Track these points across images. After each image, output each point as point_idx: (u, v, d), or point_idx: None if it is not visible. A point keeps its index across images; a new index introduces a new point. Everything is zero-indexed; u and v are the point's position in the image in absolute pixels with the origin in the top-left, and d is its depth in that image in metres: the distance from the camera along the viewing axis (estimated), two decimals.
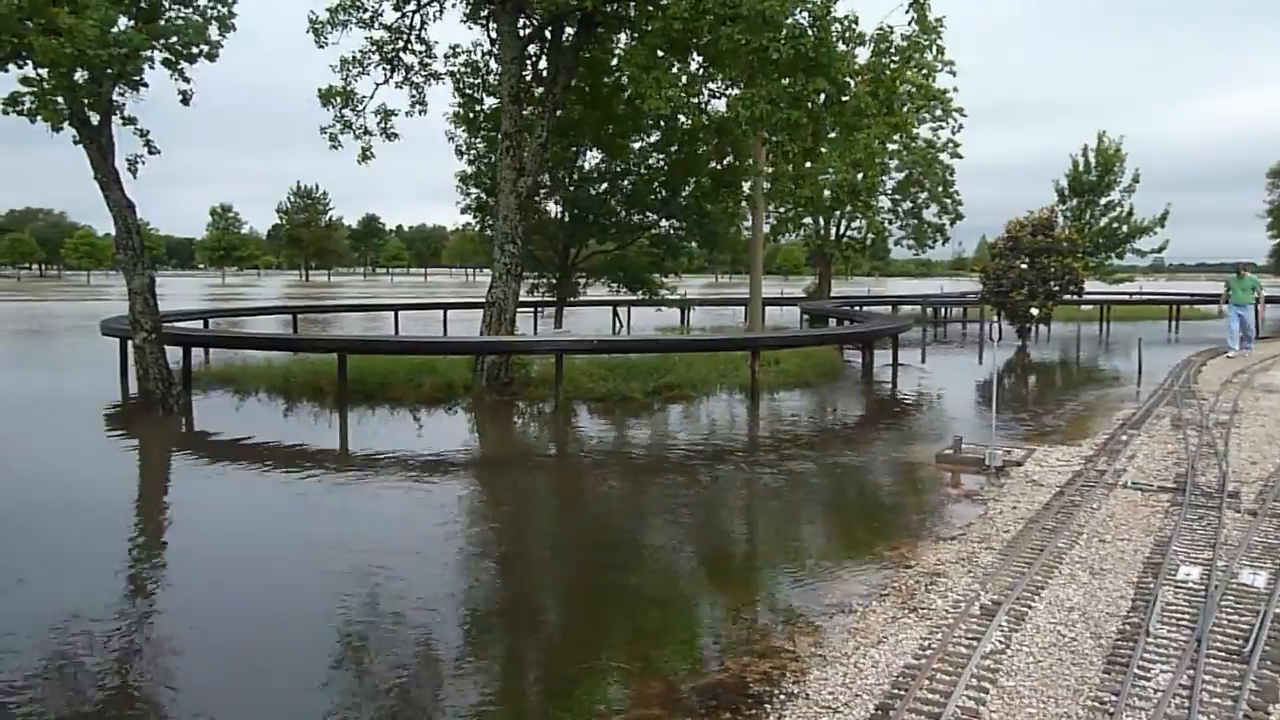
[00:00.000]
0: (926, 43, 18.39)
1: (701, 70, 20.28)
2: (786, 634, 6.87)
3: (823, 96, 17.03)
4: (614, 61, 23.48)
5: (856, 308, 38.47)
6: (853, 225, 46.20)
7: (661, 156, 27.62)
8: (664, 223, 28.87)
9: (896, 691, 5.63)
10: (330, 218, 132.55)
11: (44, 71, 15.19)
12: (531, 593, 8.43)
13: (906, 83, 18.87)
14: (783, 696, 5.78)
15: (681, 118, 23.16)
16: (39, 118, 15.57)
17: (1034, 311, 28.82)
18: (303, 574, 8.39)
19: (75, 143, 16.11)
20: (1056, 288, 28.64)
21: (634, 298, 32.54)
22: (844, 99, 17.69)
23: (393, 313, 37.60)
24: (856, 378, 23.39)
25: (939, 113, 40.23)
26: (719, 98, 21.35)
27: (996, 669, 5.90)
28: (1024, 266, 28.36)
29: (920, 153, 41.56)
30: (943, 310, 44.52)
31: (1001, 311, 28.84)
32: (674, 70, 19.13)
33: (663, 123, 25.28)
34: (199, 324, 27.75)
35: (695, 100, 20.34)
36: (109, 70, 15.22)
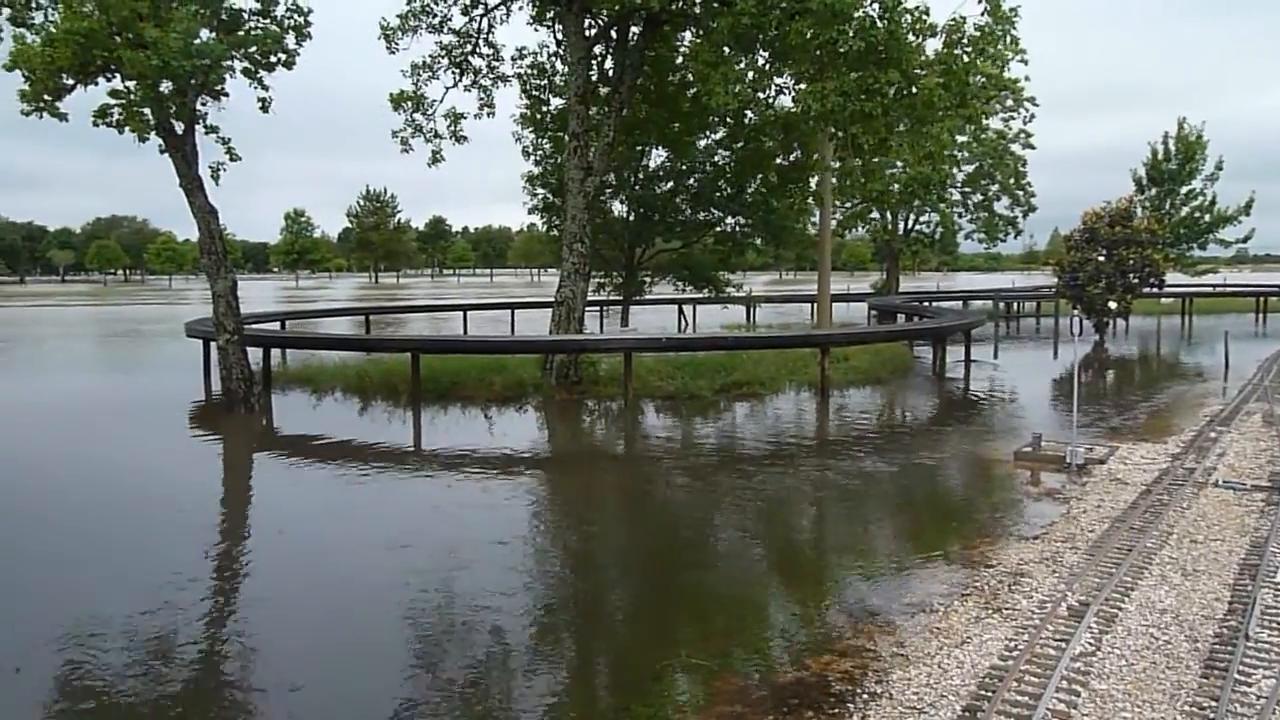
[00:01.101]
0: (1000, 32, 17.95)
1: (769, 65, 20.12)
2: (866, 633, 6.80)
3: (894, 89, 16.77)
4: (680, 59, 23.50)
5: (926, 303, 37.85)
6: (922, 219, 45.46)
7: (727, 153, 27.54)
8: (729, 220, 28.76)
9: (983, 693, 5.54)
10: (399, 220, 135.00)
11: (131, 84, 15.77)
12: (606, 588, 8.49)
13: (978, 73, 18.43)
14: (866, 696, 5.73)
15: (748, 113, 23.08)
16: (127, 128, 16.18)
17: (1112, 305, 27.96)
18: (380, 565, 8.52)
19: (161, 152, 16.67)
20: (1135, 280, 27.78)
21: (699, 295, 32.50)
22: (915, 91, 17.39)
23: (461, 313, 38.14)
24: (928, 374, 23.03)
25: (1010, 102, 39.28)
26: (786, 93, 21.21)
27: (1088, 672, 5.77)
28: (1101, 259, 27.56)
29: (991, 144, 40.65)
30: (1015, 305, 43.56)
31: (1078, 305, 28.07)
32: (741, 66, 19.03)
33: (729, 119, 25.20)
34: (276, 325, 28.47)
35: (762, 95, 20.25)
36: (192, 81, 15.73)
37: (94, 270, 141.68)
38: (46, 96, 15.81)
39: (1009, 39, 18.33)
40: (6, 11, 15.59)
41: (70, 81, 15.97)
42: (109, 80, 16.27)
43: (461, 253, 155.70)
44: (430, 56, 21.90)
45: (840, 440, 15.18)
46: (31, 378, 24.77)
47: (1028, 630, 6.43)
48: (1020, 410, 17.62)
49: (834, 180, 28.63)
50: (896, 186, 38.32)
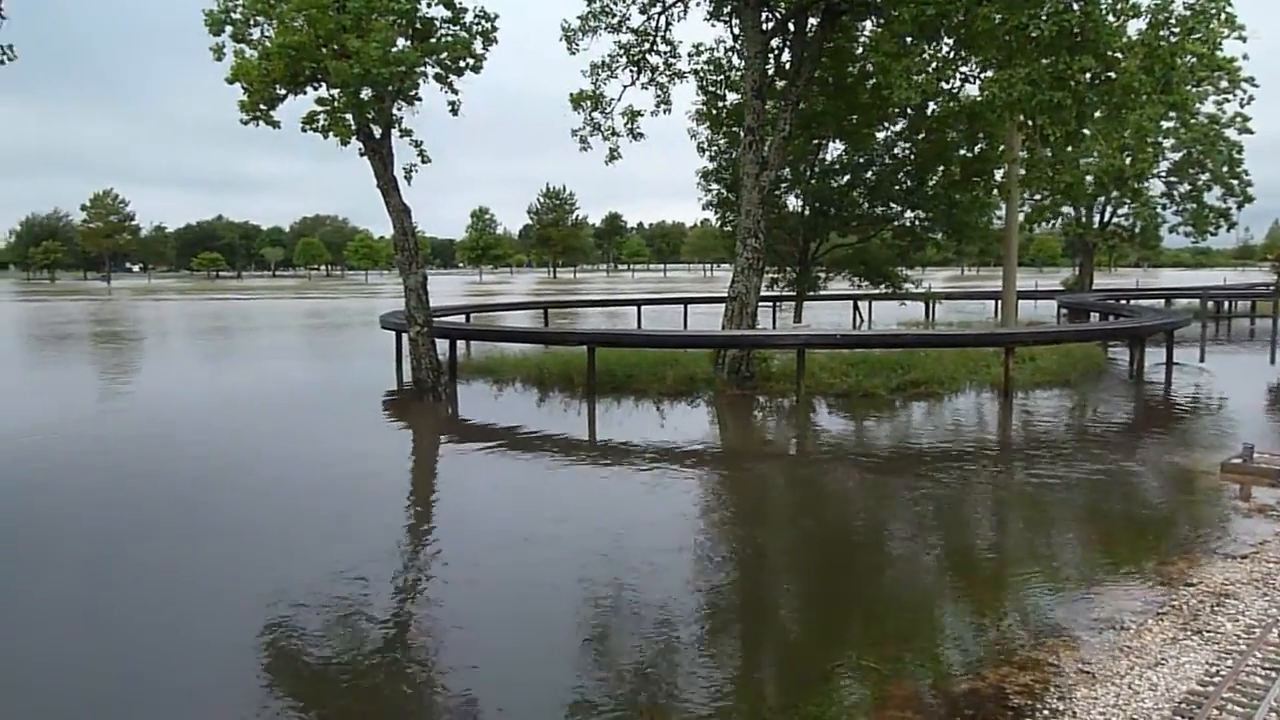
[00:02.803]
0: (1214, 9, 16.55)
1: (953, 54, 19.38)
2: (1048, 647, 6.50)
3: (1088, 75, 15.79)
4: (859, 50, 22.99)
5: (1122, 301, 35.40)
6: (1119, 212, 42.50)
7: (907, 145, 26.73)
8: (908, 214, 27.89)
9: (1179, 719, 5.19)
10: (576, 217, 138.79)
11: (335, 92, 16.96)
12: (776, 586, 8.48)
13: (1187, 53, 17.03)
14: (1046, 712, 5.49)
15: (930, 104, 22.29)
16: (330, 133, 17.42)
17: None
18: (557, 551, 8.83)
19: (361, 155, 17.84)
20: None
21: (876, 291, 31.73)
22: (1112, 76, 16.31)
23: (635, 307, 38.80)
24: (1124, 377, 21.60)
25: (1224, 84, 36.10)
26: (972, 82, 20.33)
27: None
28: None
29: (1201, 130, 37.49)
30: (1227, 304, 40.05)
31: None
32: (923, 56, 18.42)
33: (910, 110, 24.41)
34: (461, 319, 29.89)
35: (946, 86, 19.47)
36: (390, 87, 16.76)
37: (300, 266, 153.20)
38: (262, 106, 17.21)
39: (1223, 15, 16.91)
40: (229, 29, 17.03)
41: (282, 91, 17.29)
42: (315, 89, 17.53)
43: (636, 248, 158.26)
44: (609, 56, 22.42)
45: (1024, 444, 14.49)
46: (245, 364, 27.11)
47: (1232, 655, 5.97)
48: (1229, 419, 16.24)
49: (1021, 172, 27.26)
50: (1090, 177, 36.08)
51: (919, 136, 25.94)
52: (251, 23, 17.01)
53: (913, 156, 26.54)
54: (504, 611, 7.48)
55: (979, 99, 18.83)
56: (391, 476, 12.85)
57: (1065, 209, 41.96)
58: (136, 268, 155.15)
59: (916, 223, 28.07)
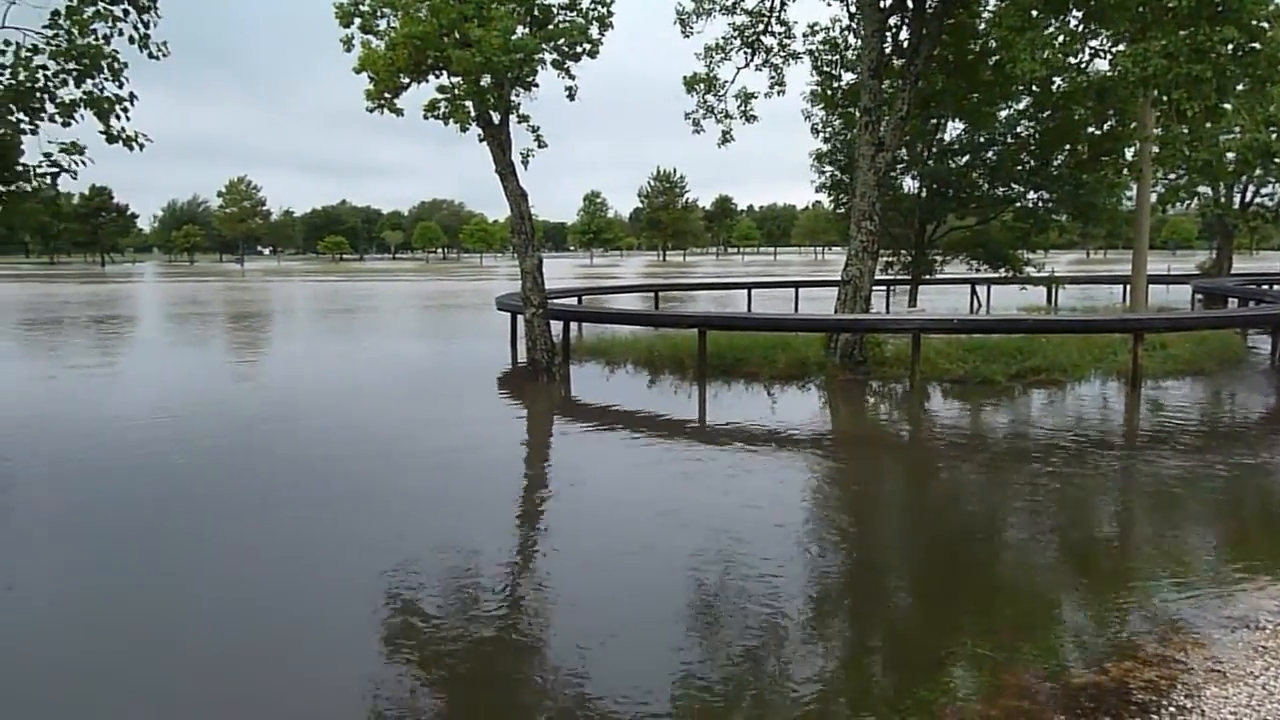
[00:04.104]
0: None
1: (1081, 27, 18.58)
2: (1175, 644, 6.29)
3: (1230, 46, 14.92)
4: (981, 26, 22.27)
5: (1264, 286, 33.36)
6: (1262, 191, 39.95)
7: (1031, 124, 25.76)
8: (1031, 195, 26.90)
9: None
10: (686, 200, 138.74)
11: (457, 80, 17.45)
12: (887, 571, 8.43)
13: None
14: (1172, 709, 5.34)
15: (1057, 80, 21.44)
16: (450, 120, 17.93)
17: None
18: (664, 533, 8.95)
19: (480, 140, 18.32)
20: None
21: (995, 275, 30.76)
22: (1256, 48, 15.37)
23: (745, 290, 38.66)
24: (1264, 368, 20.42)
25: None
26: (1102, 56, 19.50)
27: None
28: None
29: None
30: None
31: None
32: (1050, 30, 17.72)
33: (1034, 87, 23.51)
34: (573, 301, 30.39)
35: (1073, 61, 18.70)
36: (509, 74, 17.13)
37: (418, 249, 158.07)
38: (387, 95, 17.83)
39: None
40: (358, 21, 17.69)
41: (406, 80, 17.87)
42: (437, 77, 18.07)
43: (746, 231, 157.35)
44: (722, 38, 22.34)
45: (1154, 435, 13.91)
46: (368, 343, 28.24)
47: None
48: None
49: (1154, 150, 25.96)
50: (1231, 155, 34.11)
51: (1044, 114, 24.98)
52: (378, 14, 17.63)
53: (1036, 135, 25.57)
54: (616, 582, 7.67)
55: (1110, 74, 18.04)
56: (500, 452, 13.27)
57: (1202, 188, 39.68)
58: (267, 251, 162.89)
59: (1040, 204, 27.08)
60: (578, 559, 8.37)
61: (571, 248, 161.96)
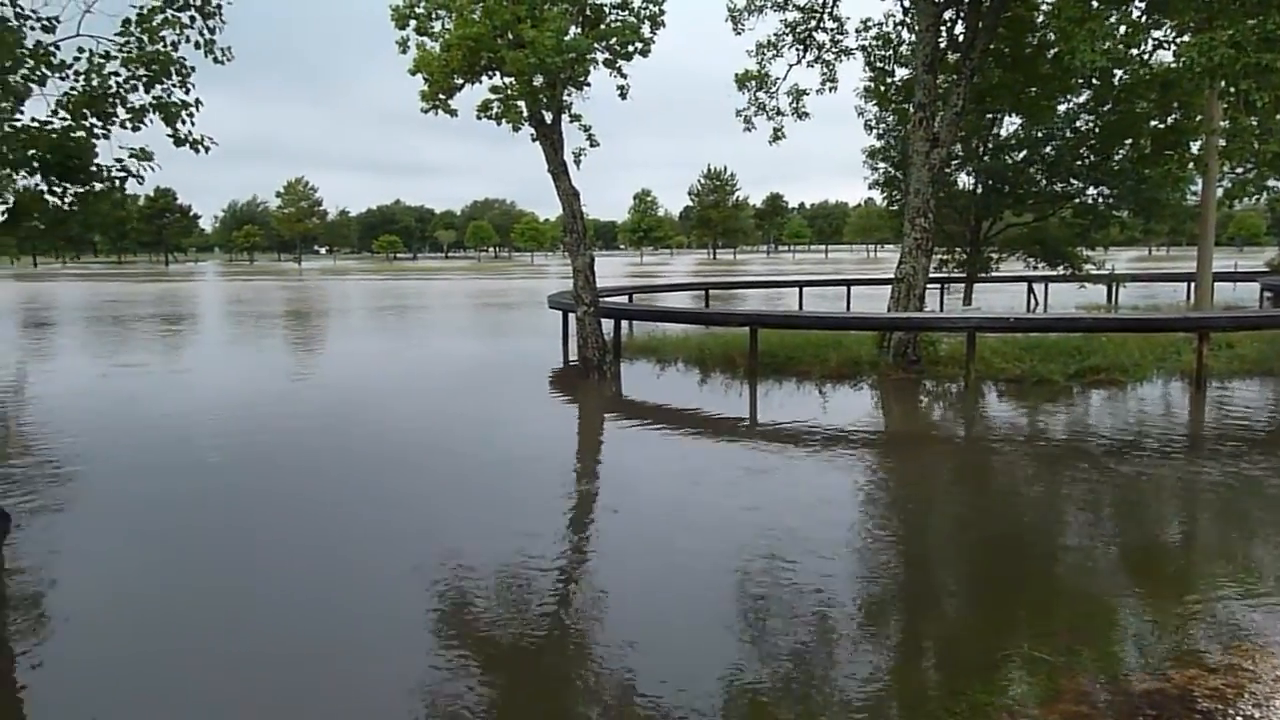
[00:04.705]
0: None
1: (1144, 17, 18.16)
2: (1243, 652, 6.13)
3: None
4: (1039, 19, 21.87)
5: None
6: None
7: (1091, 118, 25.24)
8: (1091, 190, 26.34)
9: None
10: (737, 198, 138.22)
11: (510, 80, 17.61)
12: (940, 571, 8.34)
13: None
14: (1239, 718, 5.22)
15: (1118, 73, 20.99)
16: (503, 120, 18.11)
17: None
18: (713, 532, 8.95)
19: (532, 140, 18.48)
20: None
21: (1053, 273, 30.18)
22: None
23: (796, 288, 38.44)
24: None
25: None
26: (1165, 46, 19.03)
27: None
28: None
29: None
30: None
31: None
32: (1111, 20, 17.34)
33: (1095, 80, 23.05)
34: (624, 299, 30.47)
35: (1135, 52, 18.30)
36: (561, 74, 17.25)
37: (470, 247, 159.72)
38: (441, 95, 18.07)
39: None
40: (413, 23, 17.94)
41: (460, 81, 18.10)
42: (490, 78, 18.26)
43: (797, 229, 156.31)
44: (774, 35, 22.22)
45: (1219, 438, 13.54)
46: (420, 341, 28.63)
47: None
48: None
49: (1221, 143, 25.24)
50: None
51: (1104, 108, 24.45)
52: (433, 16, 17.87)
53: (1097, 129, 25.04)
54: (665, 582, 7.69)
55: (1174, 65, 17.62)
56: (551, 449, 13.38)
57: (1272, 182, 38.46)
58: (323, 250, 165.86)
59: (1100, 200, 26.50)
60: (619, 555, 8.41)
61: (622, 246, 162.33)
